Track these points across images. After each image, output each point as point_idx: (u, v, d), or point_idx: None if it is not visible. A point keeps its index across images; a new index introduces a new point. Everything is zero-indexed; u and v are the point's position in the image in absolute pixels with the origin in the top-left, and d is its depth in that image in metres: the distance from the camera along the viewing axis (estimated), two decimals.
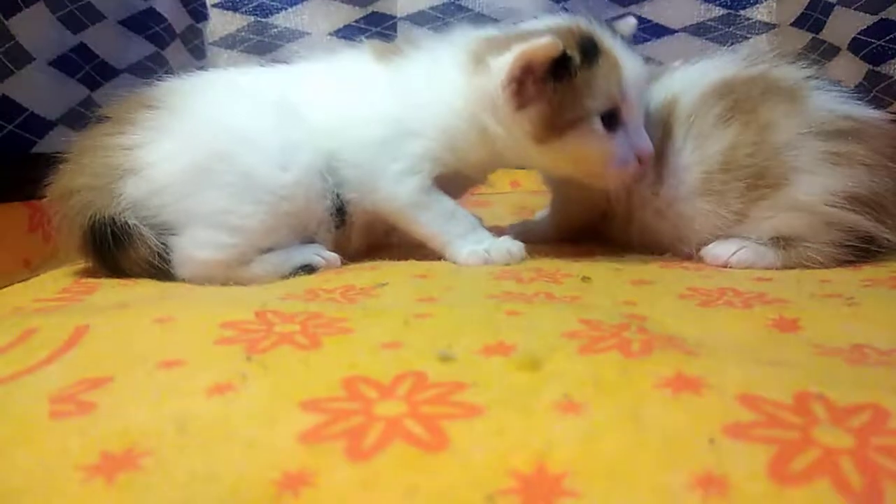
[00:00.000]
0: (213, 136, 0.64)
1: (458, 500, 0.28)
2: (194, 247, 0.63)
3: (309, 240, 0.70)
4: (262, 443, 0.32)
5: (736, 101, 0.69)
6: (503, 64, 0.63)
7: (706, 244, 0.69)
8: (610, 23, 0.70)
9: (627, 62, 0.65)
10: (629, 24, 0.74)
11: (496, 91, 0.64)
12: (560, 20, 0.69)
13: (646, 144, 0.66)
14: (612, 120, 0.65)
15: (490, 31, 0.72)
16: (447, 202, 0.70)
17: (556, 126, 0.64)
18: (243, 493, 0.29)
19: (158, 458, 0.31)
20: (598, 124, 0.64)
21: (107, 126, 0.66)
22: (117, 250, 0.63)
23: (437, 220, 0.70)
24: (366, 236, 0.74)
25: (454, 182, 0.73)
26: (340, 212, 0.70)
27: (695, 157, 0.69)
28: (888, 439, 0.30)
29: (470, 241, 0.69)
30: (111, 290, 0.60)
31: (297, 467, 0.30)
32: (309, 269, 0.67)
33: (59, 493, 0.29)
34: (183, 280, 0.63)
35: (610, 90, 0.64)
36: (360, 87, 0.72)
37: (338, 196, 0.69)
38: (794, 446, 0.30)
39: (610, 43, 0.66)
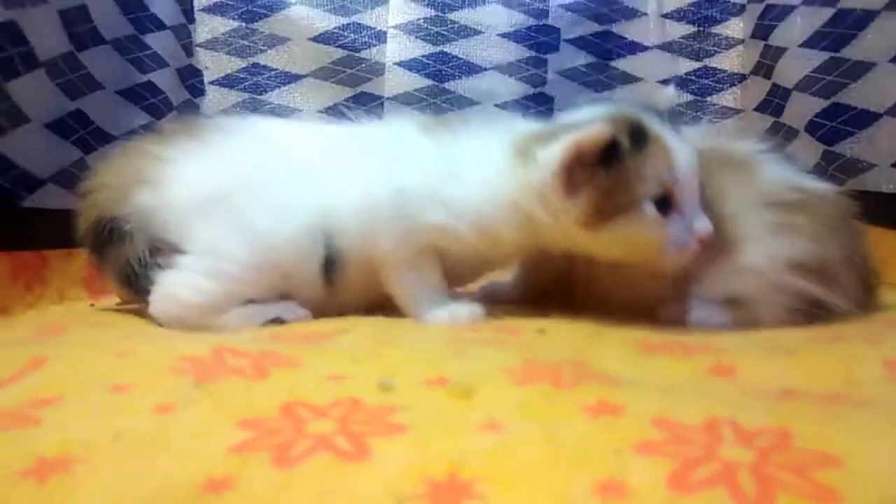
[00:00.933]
0: (227, 178, 0.68)
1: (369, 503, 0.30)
2: (176, 285, 0.65)
3: (286, 296, 0.70)
4: (193, 453, 0.33)
5: None
6: (553, 154, 0.62)
7: (663, 303, 0.71)
8: (654, 108, 0.68)
9: (677, 145, 0.64)
10: (668, 95, 0.74)
11: (545, 181, 0.63)
12: (605, 108, 0.68)
13: (704, 225, 0.64)
14: (665, 204, 0.63)
15: (531, 125, 0.72)
16: (434, 273, 0.71)
17: (605, 212, 0.63)
18: (166, 493, 0.30)
19: (90, 464, 0.32)
20: (650, 209, 0.63)
21: (152, 136, 0.72)
22: (109, 246, 0.67)
23: (418, 285, 0.71)
24: (362, 294, 0.73)
25: (472, 264, 0.73)
26: (329, 270, 0.70)
27: None
28: (789, 456, 0.31)
29: (436, 308, 0.70)
30: (81, 332, 0.62)
31: (222, 473, 0.31)
32: (279, 321, 0.68)
33: None
34: (158, 320, 0.65)
35: (661, 174, 0.63)
36: (402, 151, 0.73)
37: (327, 256, 0.70)
38: (696, 461, 0.31)
39: (658, 128, 0.64)
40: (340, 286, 0.72)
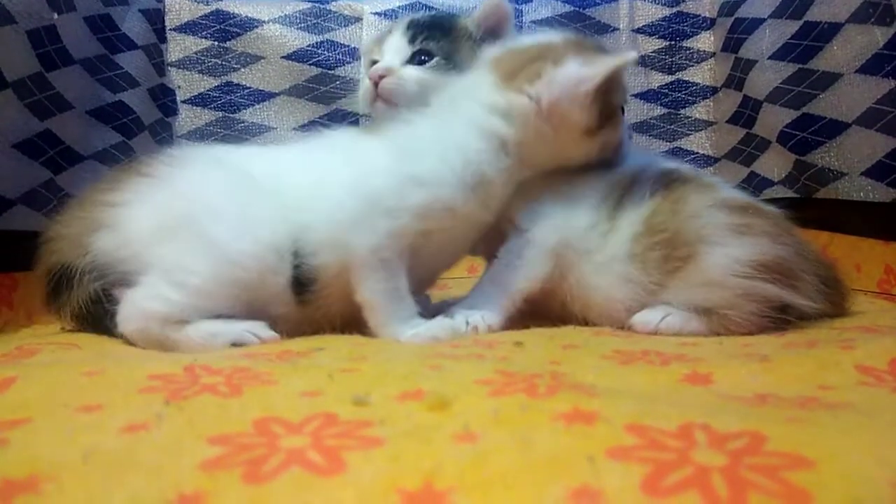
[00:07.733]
0: (180, 203, 0.68)
1: None
2: (141, 298, 0.65)
3: (260, 312, 0.69)
4: (164, 470, 0.33)
5: (663, 181, 0.76)
6: (590, 72, 0.72)
7: (633, 312, 0.71)
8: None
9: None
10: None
11: (569, 95, 0.72)
12: (560, 33, 0.80)
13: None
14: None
15: (502, 47, 0.81)
16: (403, 283, 0.71)
17: (600, 120, 0.74)
18: None
19: (59, 484, 0.32)
20: (622, 114, 0.79)
21: (103, 183, 0.72)
22: (59, 292, 0.69)
23: (387, 293, 0.70)
24: (336, 310, 0.73)
25: (440, 256, 0.77)
26: (301, 286, 0.70)
27: (631, 218, 0.74)
28: (761, 459, 0.31)
29: (410, 326, 0.70)
30: (51, 354, 0.61)
31: (193, 489, 0.31)
32: (240, 345, 0.66)
33: None
34: (123, 333, 0.65)
35: (625, 84, 0.79)
36: (351, 153, 0.75)
37: (298, 273, 0.70)
38: (669, 465, 0.31)
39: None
40: (314, 303, 0.71)
